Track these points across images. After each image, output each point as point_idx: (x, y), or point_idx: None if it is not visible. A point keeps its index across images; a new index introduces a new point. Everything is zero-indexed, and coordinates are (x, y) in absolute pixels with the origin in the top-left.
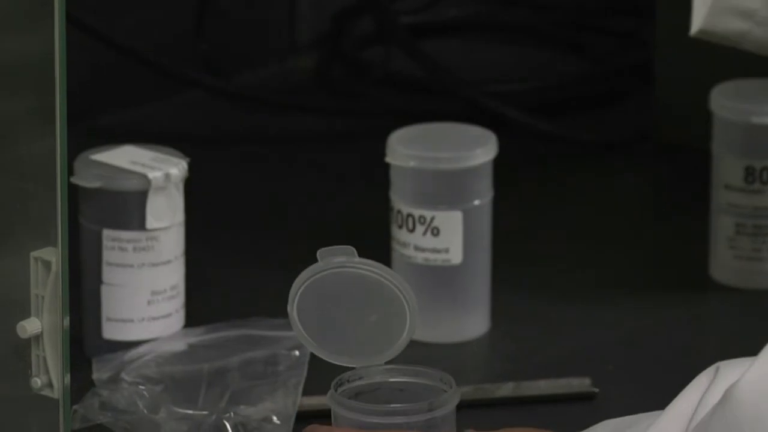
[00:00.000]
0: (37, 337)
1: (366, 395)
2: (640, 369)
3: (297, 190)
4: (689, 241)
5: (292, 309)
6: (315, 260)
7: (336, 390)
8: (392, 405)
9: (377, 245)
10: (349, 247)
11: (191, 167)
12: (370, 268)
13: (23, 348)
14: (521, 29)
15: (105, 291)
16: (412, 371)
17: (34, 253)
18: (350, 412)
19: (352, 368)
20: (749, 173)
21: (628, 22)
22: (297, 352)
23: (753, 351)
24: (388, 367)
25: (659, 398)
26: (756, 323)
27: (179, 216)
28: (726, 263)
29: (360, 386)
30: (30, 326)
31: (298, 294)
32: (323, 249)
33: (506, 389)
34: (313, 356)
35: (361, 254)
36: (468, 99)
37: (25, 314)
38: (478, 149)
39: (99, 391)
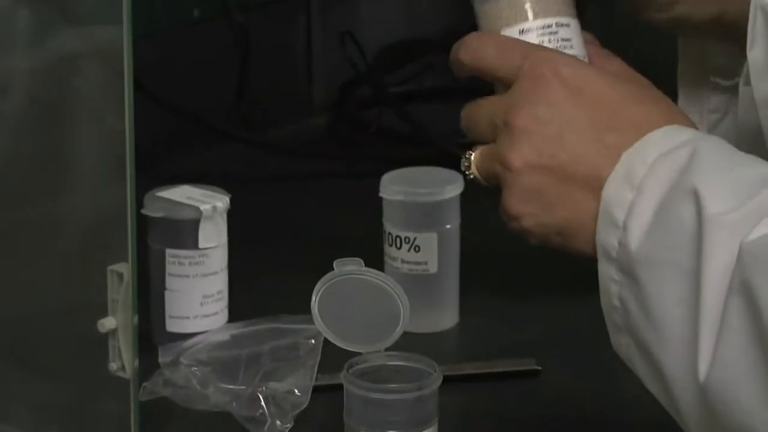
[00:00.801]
0: (113, 332)
1: (370, 375)
2: (578, 353)
3: (313, 216)
4: None
5: (314, 307)
6: (331, 269)
7: (348, 371)
8: (390, 385)
9: (374, 258)
10: (358, 258)
11: (232, 201)
12: (374, 275)
13: (102, 340)
14: (484, 94)
15: (168, 295)
16: (405, 357)
17: (110, 267)
18: (358, 388)
19: (359, 353)
20: None
21: None
22: (313, 341)
23: None
24: (387, 353)
25: (595, 376)
26: None
27: (223, 238)
28: None
29: (365, 368)
30: (108, 323)
31: (319, 295)
32: (338, 260)
33: (470, 367)
34: (326, 343)
35: (365, 265)
36: (441, 148)
37: (104, 314)
38: (449, 186)
39: (163, 371)
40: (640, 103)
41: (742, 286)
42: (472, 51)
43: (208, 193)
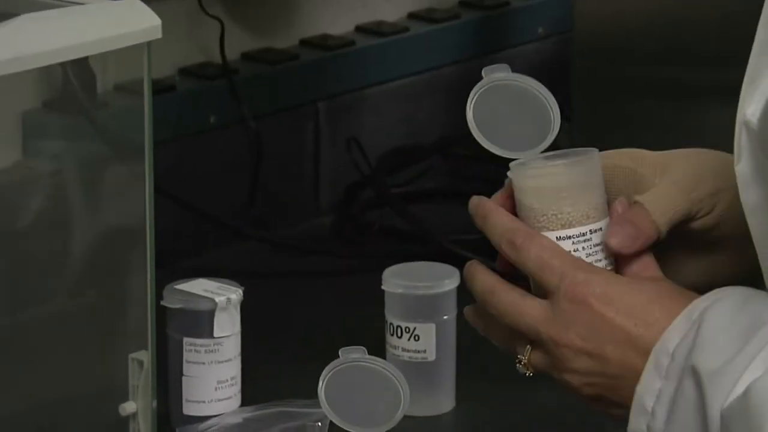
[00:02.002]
0: (134, 415)
1: None
2: None
3: (319, 308)
4: None
5: (321, 391)
6: (336, 357)
7: None
8: None
9: (377, 347)
10: (362, 347)
11: (245, 294)
12: (377, 362)
13: (124, 423)
14: (476, 194)
15: (185, 381)
16: None
17: (132, 355)
18: None
19: None
20: None
21: None
22: (319, 423)
23: None
24: None
25: None
26: None
27: (237, 327)
28: None
29: None
30: (128, 407)
31: (325, 380)
32: (343, 348)
33: None
34: (331, 426)
35: (368, 353)
36: (439, 245)
37: (125, 398)
38: (446, 280)
39: None
40: (661, 298)
41: None
42: (515, 250)
43: (223, 286)
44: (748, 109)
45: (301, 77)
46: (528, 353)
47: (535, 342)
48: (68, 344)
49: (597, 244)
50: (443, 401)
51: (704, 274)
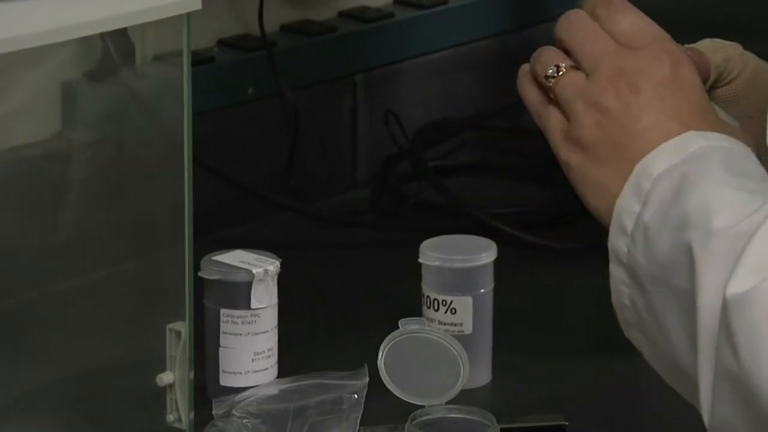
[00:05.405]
0: (171, 386)
1: (432, 426)
2: (604, 409)
3: (356, 280)
4: None
5: (381, 362)
6: (372, 330)
7: (411, 422)
8: None
9: None
10: (421, 318)
11: (282, 265)
12: (437, 333)
13: (161, 393)
14: (513, 169)
15: (222, 352)
16: (465, 410)
17: (169, 326)
18: None
19: (421, 406)
20: None
21: None
22: (356, 395)
23: None
24: (448, 406)
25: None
26: None
27: (274, 299)
28: None
29: (428, 420)
30: (166, 378)
31: (385, 351)
32: (402, 319)
33: (502, 422)
34: (368, 398)
35: None
36: (476, 218)
37: (162, 369)
38: (483, 253)
39: (216, 422)
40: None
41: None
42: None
43: (260, 257)
44: None
45: (339, 49)
46: (563, 70)
47: (585, 65)
48: (106, 314)
49: None
50: (480, 374)
51: None
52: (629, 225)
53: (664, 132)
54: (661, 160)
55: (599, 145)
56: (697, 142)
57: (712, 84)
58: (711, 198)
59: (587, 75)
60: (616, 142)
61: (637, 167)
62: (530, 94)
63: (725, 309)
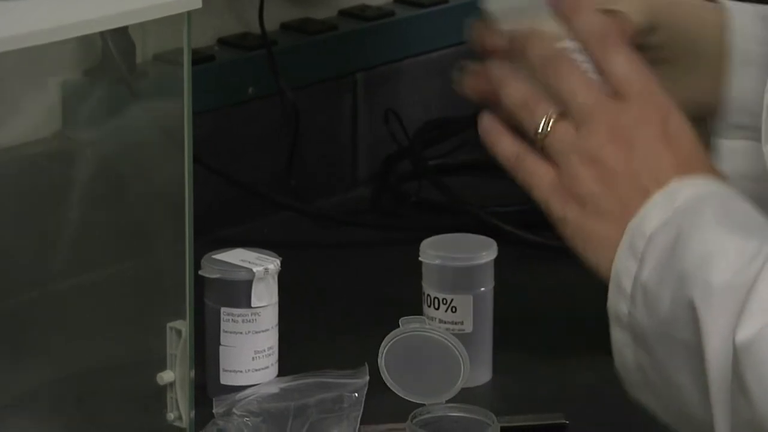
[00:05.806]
0: (171, 384)
1: (432, 425)
2: (604, 408)
3: (356, 279)
4: None
5: (381, 360)
6: (372, 328)
7: (412, 421)
8: None
9: None
10: (421, 317)
11: (283, 264)
12: (437, 332)
13: (161, 392)
14: None
15: (222, 350)
16: (466, 408)
17: (169, 324)
18: None
19: (422, 404)
20: None
21: None
22: (356, 394)
23: None
24: (448, 404)
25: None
26: None
27: (274, 298)
28: None
29: (428, 418)
30: (166, 376)
31: (386, 349)
32: (403, 318)
33: (502, 421)
34: (368, 397)
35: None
36: (477, 217)
37: (163, 368)
38: (484, 252)
39: (217, 421)
40: (669, 146)
41: (739, 382)
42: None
43: (261, 256)
44: None
45: (339, 48)
46: (553, 120)
47: (577, 116)
48: (107, 314)
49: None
50: (480, 373)
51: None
52: (628, 285)
53: (662, 186)
54: (652, 217)
55: (601, 199)
56: (683, 192)
57: (639, 43)
58: (707, 250)
59: (576, 125)
60: (620, 196)
61: (630, 226)
62: (505, 149)
63: (735, 357)
